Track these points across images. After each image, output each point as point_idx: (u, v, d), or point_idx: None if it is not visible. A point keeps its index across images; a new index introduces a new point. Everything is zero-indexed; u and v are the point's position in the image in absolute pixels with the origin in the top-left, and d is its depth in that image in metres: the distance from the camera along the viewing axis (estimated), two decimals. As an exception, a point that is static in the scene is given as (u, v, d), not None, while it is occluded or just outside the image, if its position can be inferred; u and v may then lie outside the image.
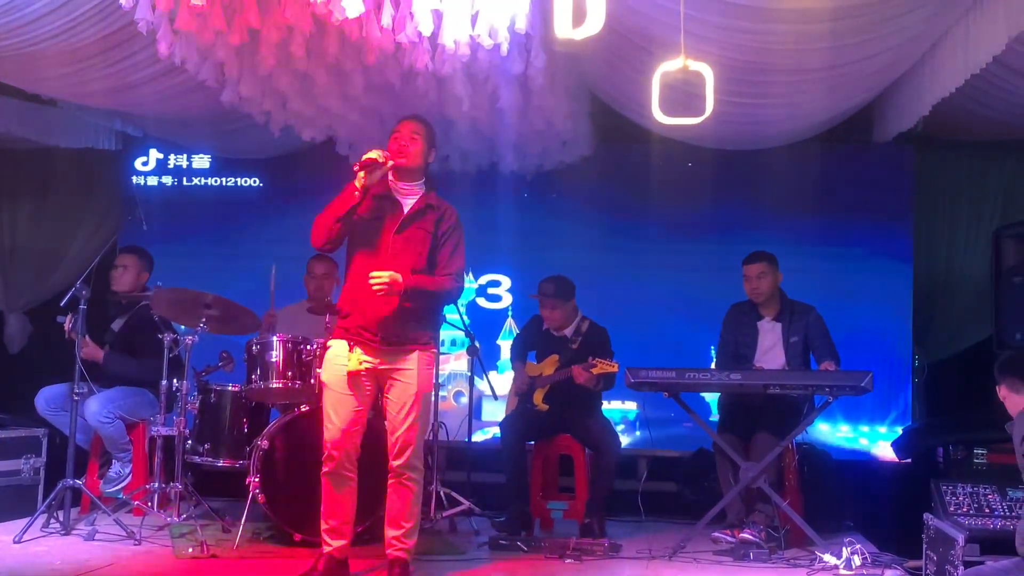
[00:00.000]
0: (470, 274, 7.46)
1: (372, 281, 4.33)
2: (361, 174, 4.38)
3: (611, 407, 7.10)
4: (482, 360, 6.37)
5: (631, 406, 7.41)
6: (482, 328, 7.05)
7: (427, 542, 5.13)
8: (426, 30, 4.38)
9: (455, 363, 7.41)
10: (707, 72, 4.09)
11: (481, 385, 6.68)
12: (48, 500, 5.28)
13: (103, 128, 7.51)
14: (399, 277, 4.35)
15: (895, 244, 7.27)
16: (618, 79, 5.98)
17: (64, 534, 5.24)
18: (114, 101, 6.39)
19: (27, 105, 6.88)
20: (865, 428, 7.23)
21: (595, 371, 5.77)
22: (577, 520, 5.92)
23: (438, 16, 4.43)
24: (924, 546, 4.47)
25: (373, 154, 4.39)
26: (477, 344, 6.25)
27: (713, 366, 6.27)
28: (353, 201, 4.41)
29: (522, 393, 6.16)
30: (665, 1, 4.45)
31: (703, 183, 7.47)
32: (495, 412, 7.09)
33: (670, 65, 4.06)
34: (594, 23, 3.38)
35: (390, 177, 4.54)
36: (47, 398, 5.95)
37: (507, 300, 7.68)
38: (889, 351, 7.14)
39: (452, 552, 5.30)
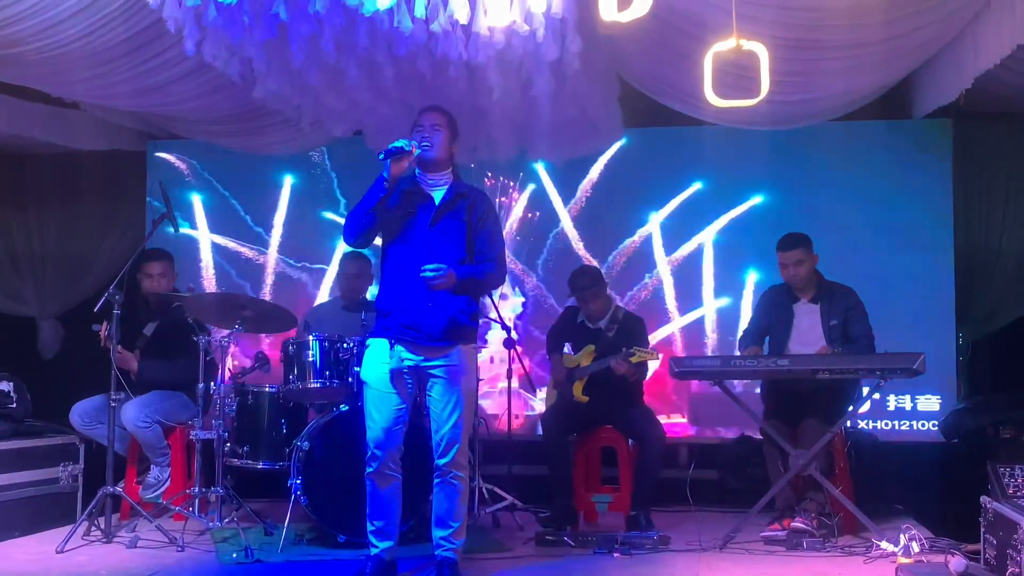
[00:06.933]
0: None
1: (426, 273, 4.25)
2: (388, 162, 4.30)
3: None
4: (520, 355, 6.27)
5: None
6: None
7: (472, 539, 5.04)
8: (463, 18, 4.28)
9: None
10: (761, 52, 3.97)
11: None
12: (89, 508, 5.23)
13: (128, 129, 7.45)
14: (451, 269, 4.29)
15: (935, 220, 7.08)
16: (654, 63, 5.86)
17: (106, 542, 5.19)
18: (141, 102, 6.32)
19: (51, 109, 6.83)
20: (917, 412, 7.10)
21: (634, 360, 5.67)
22: (623, 512, 5.83)
23: (472, 3, 4.32)
24: (982, 530, 4.36)
25: (400, 143, 4.32)
26: (514, 336, 6.18)
27: (737, 352, 6.09)
28: (383, 191, 4.34)
29: (561, 385, 6.07)
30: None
31: (738, 162, 7.32)
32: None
33: (722, 45, 3.94)
34: (641, 5, 3.27)
35: (417, 171, 4.47)
36: (81, 413, 5.88)
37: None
38: (933, 330, 6.96)
39: (499, 549, 5.24)
